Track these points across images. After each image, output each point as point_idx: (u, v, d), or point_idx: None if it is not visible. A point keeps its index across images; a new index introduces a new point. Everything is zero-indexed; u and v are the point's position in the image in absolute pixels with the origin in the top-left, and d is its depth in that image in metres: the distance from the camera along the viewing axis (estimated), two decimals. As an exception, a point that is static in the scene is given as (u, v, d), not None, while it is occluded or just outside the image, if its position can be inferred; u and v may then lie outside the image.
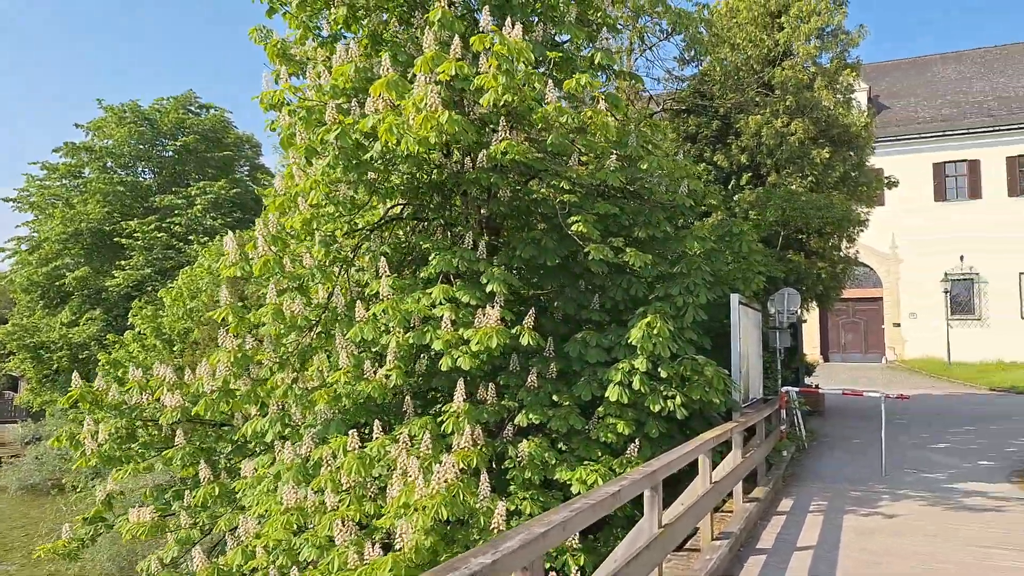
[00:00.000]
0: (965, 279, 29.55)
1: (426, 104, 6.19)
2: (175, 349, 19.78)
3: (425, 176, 9.14)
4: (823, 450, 12.79)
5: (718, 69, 14.89)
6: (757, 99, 14.65)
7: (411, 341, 7.39)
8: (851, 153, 15.08)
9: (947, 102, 31.76)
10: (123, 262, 26.97)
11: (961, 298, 29.64)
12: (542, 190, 8.95)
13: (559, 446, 8.58)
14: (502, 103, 6.95)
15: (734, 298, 10.16)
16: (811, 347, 31.35)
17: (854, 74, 14.60)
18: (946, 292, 28.96)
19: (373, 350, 7.97)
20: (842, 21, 14.69)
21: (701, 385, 8.37)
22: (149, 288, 25.51)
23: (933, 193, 30.43)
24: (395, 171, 8.80)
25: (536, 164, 8.04)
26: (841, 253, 16.00)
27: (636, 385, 7.89)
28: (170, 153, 31.33)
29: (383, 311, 7.17)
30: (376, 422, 7.12)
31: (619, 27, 12.88)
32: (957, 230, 29.55)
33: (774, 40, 14.60)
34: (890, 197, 30.80)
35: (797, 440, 12.54)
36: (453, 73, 6.57)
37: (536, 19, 8.28)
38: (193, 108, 31.75)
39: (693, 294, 9.12)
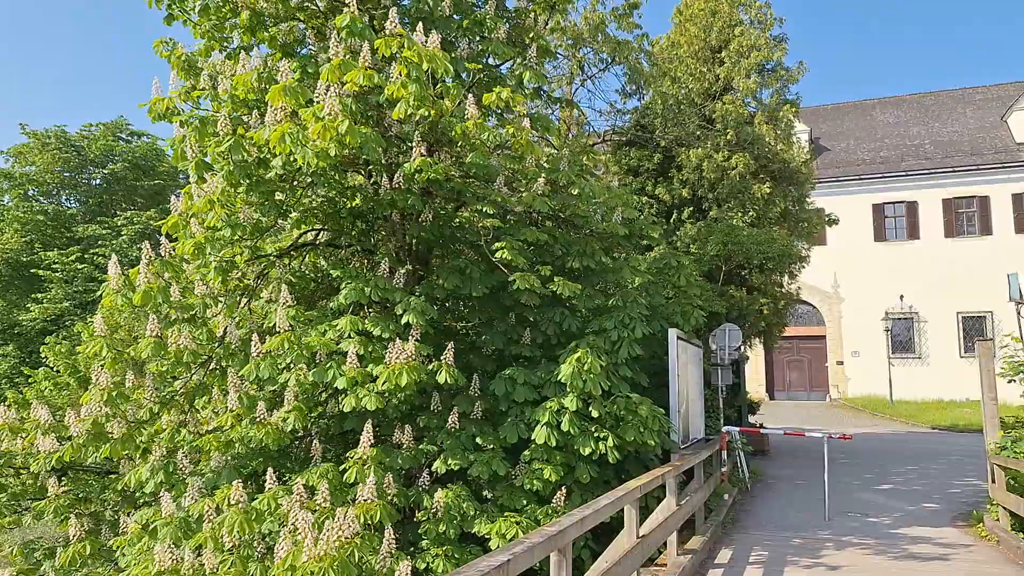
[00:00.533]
0: (905, 318, 30.02)
1: (326, 112, 5.57)
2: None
3: (346, 201, 8.48)
4: (767, 492, 12.32)
5: (659, 102, 14.71)
6: (698, 133, 14.49)
7: (311, 379, 6.64)
8: (792, 189, 15.00)
9: (886, 145, 32.66)
10: (40, 295, 25.35)
11: (902, 337, 30.07)
12: (465, 214, 8.38)
13: (484, 494, 7.88)
14: (418, 117, 6.40)
15: (672, 333, 9.70)
16: (756, 385, 31.34)
17: (794, 110, 14.59)
18: (887, 331, 29.36)
19: (271, 389, 7.18)
20: (782, 58, 14.73)
21: (635, 425, 7.80)
22: (68, 322, 23.96)
23: (873, 233, 31.03)
24: (311, 193, 8.15)
25: (458, 186, 7.48)
26: (783, 289, 15.82)
27: (565, 426, 7.27)
28: (97, 181, 29.91)
29: (282, 345, 6.41)
30: (270, 471, 6.30)
31: (556, 52, 12.61)
32: (896, 270, 30.10)
33: (715, 75, 14.52)
34: (832, 237, 31.33)
35: (740, 482, 12.05)
36: (361, 82, 5.99)
37: (462, 36, 7.78)
38: (124, 135, 30.47)
39: (629, 328, 8.60)
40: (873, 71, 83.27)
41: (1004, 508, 8.15)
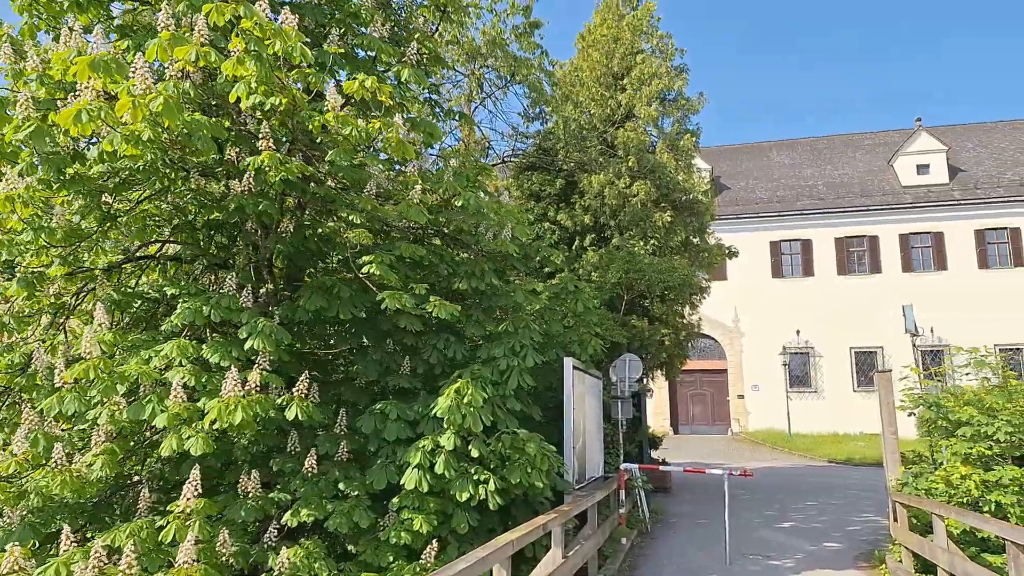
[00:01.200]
0: (801, 352, 30.80)
1: (139, 89, 4.56)
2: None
3: (200, 209, 7.36)
4: (667, 533, 11.71)
5: (562, 127, 14.29)
6: (601, 159, 14.12)
7: (126, 416, 5.46)
8: (692, 219, 14.82)
9: (782, 185, 33.85)
10: None
11: (798, 371, 30.80)
12: (331, 225, 7.43)
13: (349, 548, 6.81)
14: (268, 107, 5.46)
15: (568, 362, 9.00)
16: (661, 419, 31.30)
17: (694, 140, 14.48)
18: (785, 365, 30.01)
19: (81, 428, 5.92)
20: (683, 88, 14.64)
21: (522, 466, 6.97)
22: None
23: (771, 270, 31.88)
24: (161, 199, 7.01)
25: (323, 192, 6.54)
26: (684, 320, 15.54)
27: (440, 468, 6.34)
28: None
29: (87, 374, 5.22)
30: (66, 529, 5.06)
31: (452, 66, 11.95)
32: (793, 305, 30.94)
33: (617, 101, 14.25)
34: (733, 272, 32.03)
35: (640, 523, 11.41)
36: (195, 60, 5.01)
37: (334, 25, 6.92)
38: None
39: (520, 356, 7.82)
40: (768, 114, 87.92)
41: (907, 548, 7.77)
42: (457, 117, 9.64)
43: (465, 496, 6.35)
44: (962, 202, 30.32)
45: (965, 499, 7.47)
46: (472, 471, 6.59)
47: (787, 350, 30.03)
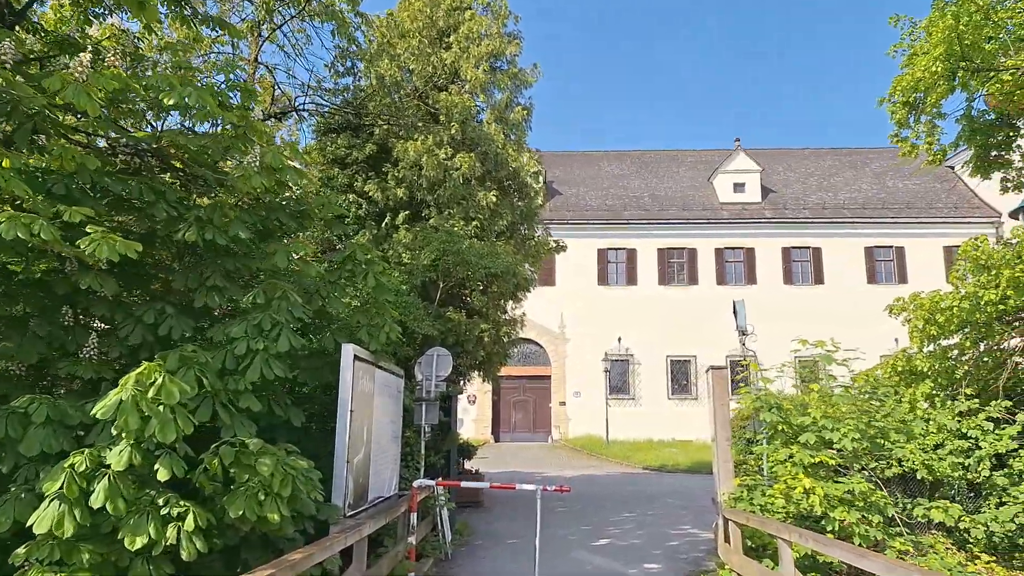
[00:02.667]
0: (622, 360, 30.82)
1: None
2: None
3: None
4: (471, 560, 9.95)
5: (376, 83, 12.23)
6: (420, 125, 12.21)
7: None
8: (521, 203, 13.33)
9: (611, 195, 33.98)
10: None
11: (619, 378, 30.77)
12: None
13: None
14: None
15: (347, 351, 6.93)
16: (482, 427, 29.93)
17: (526, 113, 13.00)
18: (606, 371, 29.79)
19: None
20: (516, 56, 13.13)
21: (251, 491, 4.81)
22: None
23: (597, 277, 31.71)
24: None
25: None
26: (507, 315, 14.00)
27: (99, 499, 4.04)
28: None
29: None
30: None
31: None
32: (616, 313, 30.91)
33: (441, 60, 12.44)
34: (561, 278, 31.51)
35: (439, 549, 9.55)
36: None
37: None
38: None
39: (269, 337, 5.66)
40: (599, 125, 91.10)
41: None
42: (224, 29, 7.27)
43: (141, 542, 4.09)
44: (772, 220, 31.94)
45: (807, 517, 6.39)
46: (161, 502, 4.33)
47: (609, 357, 29.86)
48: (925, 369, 11.56)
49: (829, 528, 6.18)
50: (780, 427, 7.02)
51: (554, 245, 16.03)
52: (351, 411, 6.83)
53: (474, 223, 12.04)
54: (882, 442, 6.94)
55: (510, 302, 13.64)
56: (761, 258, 31.72)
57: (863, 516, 6.21)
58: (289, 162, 6.59)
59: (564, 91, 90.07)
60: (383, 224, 12.38)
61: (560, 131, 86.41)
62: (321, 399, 7.90)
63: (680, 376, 30.88)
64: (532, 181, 13.40)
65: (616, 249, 32.05)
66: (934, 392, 10.62)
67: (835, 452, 6.62)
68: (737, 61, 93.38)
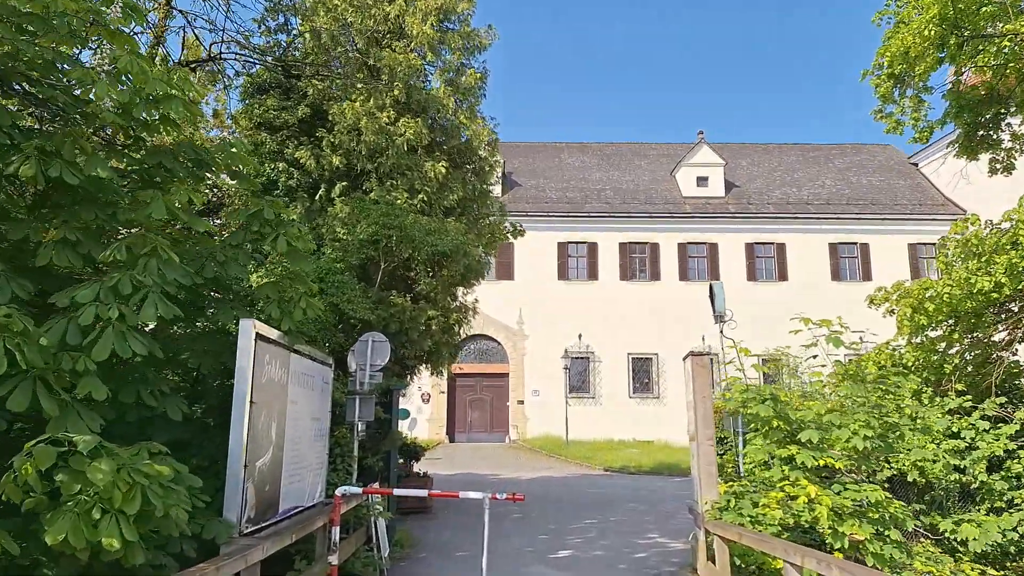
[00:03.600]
0: (582, 357, 29.74)
1: None
2: None
3: None
4: (411, 574, 8.65)
5: (310, 39, 10.82)
6: (359, 85, 10.84)
7: None
8: (474, 178, 12.05)
9: (572, 187, 32.91)
10: None
11: (579, 376, 29.70)
12: None
13: None
14: None
15: (247, 327, 5.56)
16: (437, 427, 28.54)
17: (479, 77, 11.71)
18: (566, 369, 28.66)
19: None
20: (469, 14, 11.84)
21: (81, 507, 3.45)
22: None
23: (557, 271, 30.58)
24: None
25: None
26: (457, 301, 12.69)
27: None
28: None
29: None
30: None
31: None
32: (577, 309, 29.85)
33: (384, 12, 11.07)
34: (519, 272, 30.31)
35: (373, 566, 8.20)
36: None
37: None
38: None
39: (130, 302, 4.30)
40: (560, 117, 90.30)
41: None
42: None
43: None
44: (736, 215, 31.25)
45: (806, 531, 5.25)
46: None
47: (569, 354, 28.75)
48: (911, 363, 10.66)
49: (837, 545, 5.06)
50: (775, 423, 5.88)
51: (511, 228, 14.79)
52: (251, 403, 5.46)
53: (420, 196, 10.71)
54: (895, 442, 5.86)
55: (461, 288, 12.33)
56: (725, 254, 31.00)
57: (878, 531, 5.11)
58: (174, 91, 5.19)
59: (522, 78, 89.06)
60: (317, 196, 10.97)
61: (519, 121, 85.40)
62: (224, 390, 6.50)
63: (642, 374, 29.95)
64: (487, 154, 12.11)
65: (577, 243, 30.98)
66: (921, 388, 9.70)
67: (839, 453, 5.52)
68: (699, 55, 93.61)
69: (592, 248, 30.92)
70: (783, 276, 30.96)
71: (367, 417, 8.73)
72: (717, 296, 8.46)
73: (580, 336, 29.68)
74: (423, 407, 28.59)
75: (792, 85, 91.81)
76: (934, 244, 30.45)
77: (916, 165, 35.89)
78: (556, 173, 34.00)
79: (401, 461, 14.22)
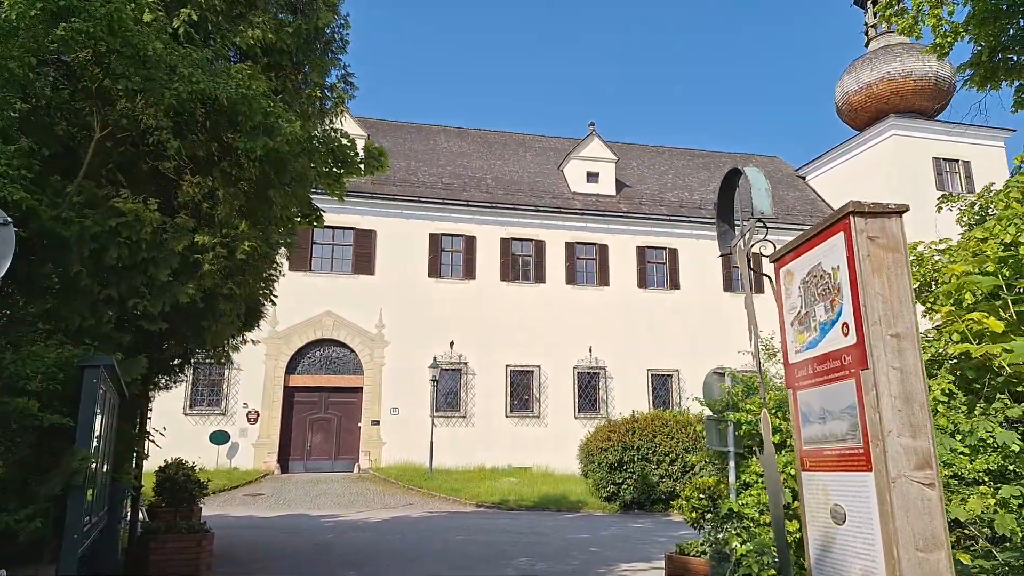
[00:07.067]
0: (453, 368, 25.06)
1: None
2: None
3: None
4: None
5: None
6: None
7: None
8: (294, 19, 7.18)
9: (448, 172, 28.48)
10: None
11: (449, 391, 24.98)
12: None
13: None
14: None
15: None
16: (265, 452, 22.70)
17: None
18: (434, 381, 23.79)
19: None
20: None
21: None
22: None
23: (428, 268, 25.87)
24: None
25: None
26: (277, 245, 7.74)
27: None
28: None
29: None
30: None
31: None
32: (450, 312, 25.26)
33: None
34: (381, 264, 25.31)
35: None
36: None
37: None
38: None
39: None
40: (439, 102, 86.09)
41: None
42: None
43: None
44: (628, 215, 28.04)
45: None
46: None
47: (439, 364, 23.94)
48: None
49: None
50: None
51: (371, 155, 10.06)
52: None
53: (187, 13, 5.75)
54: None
55: (283, 218, 7.34)
56: (615, 256, 27.63)
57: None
58: None
59: (399, 56, 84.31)
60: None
61: (392, 103, 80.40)
62: None
63: (521, 390, 25.70)
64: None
65: (452, 235, 26.45)
66: (953, 389, 5.97)
67: None
68: (590, 51, 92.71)
69: (470, 242, 26.50)
70: (675, 284, 28.02)
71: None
72: (755, 185, 4.26)
73: (452, 344, 25.03)
74: (248, 428, 22.66)
75: (681, 91, 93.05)
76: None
77: (804, 178, 34.69)
78: (431, 157, 29.44)
79: (163, 506, 8.89)
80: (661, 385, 27.11)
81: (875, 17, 32.75)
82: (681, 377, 26.89)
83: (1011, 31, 9.36)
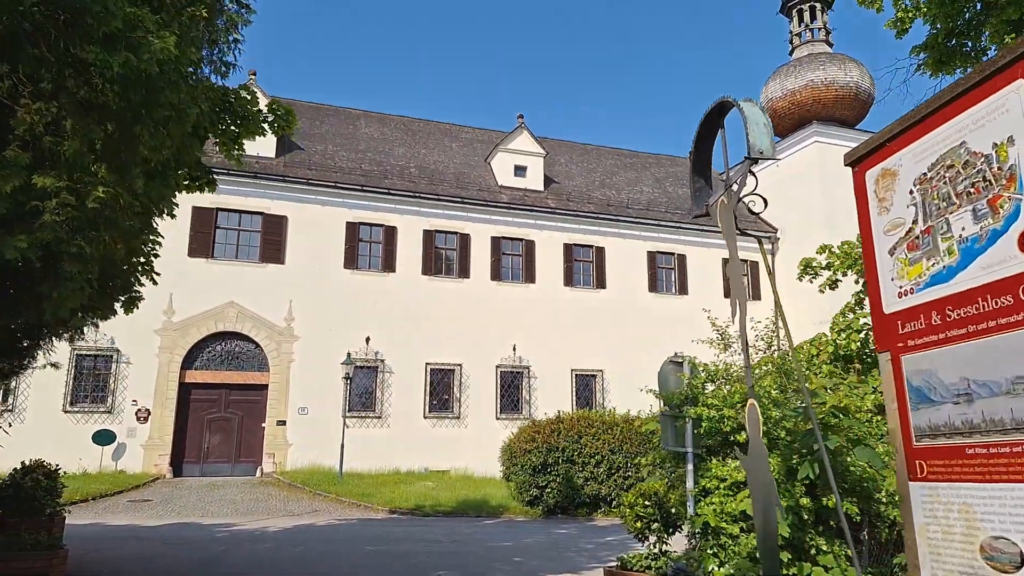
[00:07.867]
0: (369, 366, 23.61)
1: None
2: None
3: None
4: None
5: None
6: None
7: None
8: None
9: (368, 159, 26.98)
10: None
11: (363, 391, 23.51)
12: None
13: None
14: None
15: None
16: (156, 454, 20.62)
17: None
18: (347, 379, 22.24)
19: None
20: None
21: None
22: None
23: (344, 258, 24.31)
24: None
25: None
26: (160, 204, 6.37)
27: None
28: None
29: None
30: None
31: None
32: (367, 306, 23.81)
33: None
34: (292, 253, 23.59)
35: None
36: None
37: None
38: None
39: None
40: (359, 87, 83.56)
41: None
42: None
43: None
44: (555, 211, 27.32)
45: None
46: None
47: (353, 361, 22.42)
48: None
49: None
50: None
51: (278, 114, 8.75)
52: None
53: None
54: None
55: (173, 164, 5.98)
56: (542, 253, 26.86)
57: None
58: None
59: (314, 34, 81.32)
60: None
61: (308, 83, 77.35)
62: None
63: (441, 389, 24.52)
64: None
65: (371, 225, 24.99)
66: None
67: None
68: (522, 41, 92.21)
69: (390, 233, 25.11)
70: (602, 284, 27.50)
71: None
72: (752, 120, 3.38)
73: (368, 340, 23.59)
74: (138, 428, 20.53)
75: (610, 92, 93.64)
76: (745, 261, 28.97)
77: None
78: (349, 142, 27.85)
79: (12, 518, 7.33)
80: (585, 385, 26.48)
81: (799, 25, 33.42)
82: (605, 377, 26.37)
83: (967, 14, 9.02)
